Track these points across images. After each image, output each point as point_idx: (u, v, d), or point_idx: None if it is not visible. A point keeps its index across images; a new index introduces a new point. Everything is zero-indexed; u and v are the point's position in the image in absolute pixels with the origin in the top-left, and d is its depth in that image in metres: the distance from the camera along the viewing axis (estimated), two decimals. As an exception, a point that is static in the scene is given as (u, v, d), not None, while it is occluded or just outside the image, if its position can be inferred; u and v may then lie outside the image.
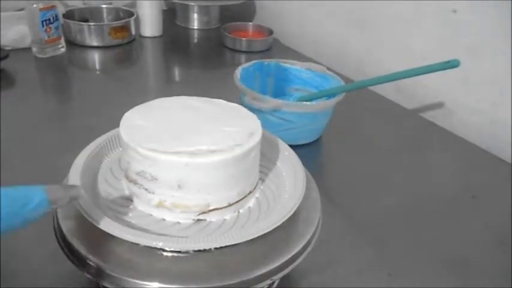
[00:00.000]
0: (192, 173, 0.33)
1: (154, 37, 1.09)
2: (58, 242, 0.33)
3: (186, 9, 1.17)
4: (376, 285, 0.44)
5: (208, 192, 0.35)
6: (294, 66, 0.72)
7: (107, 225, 0.31)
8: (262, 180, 0.41)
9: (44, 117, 0.71)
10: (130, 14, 1.05)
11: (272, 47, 1.07)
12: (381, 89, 0.85)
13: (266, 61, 0.72)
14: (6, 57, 0.82)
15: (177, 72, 0.99)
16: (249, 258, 0.32)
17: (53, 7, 0.87)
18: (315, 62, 0.78)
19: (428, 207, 0.56)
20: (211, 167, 0.34)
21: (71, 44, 0.98)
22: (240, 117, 0.40)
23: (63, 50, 0.93)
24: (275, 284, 0.41)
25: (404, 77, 0.55)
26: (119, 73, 0.92)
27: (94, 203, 0.33)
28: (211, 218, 0.36)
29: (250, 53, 1.03)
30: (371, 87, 0.83)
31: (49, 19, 0.87)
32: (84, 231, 0.32)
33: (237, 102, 0.42)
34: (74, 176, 0.36)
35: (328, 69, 0.70)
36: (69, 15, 1.02)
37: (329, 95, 0.64)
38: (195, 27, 1.19)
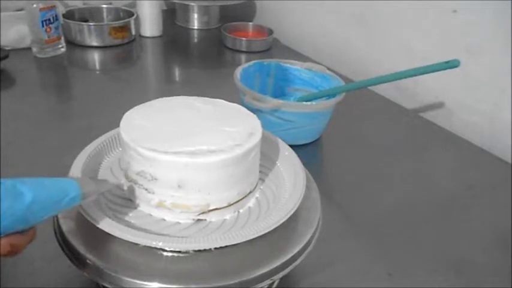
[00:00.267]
0: (192, 173, 0.33)
1: (154, 37, 1.09)
2: (58, 242, 0.33)
3: (186, 9, 1.17)
4: (376, 285, 0.44)
5: (208, 192, 0.35)
6: (294, 66, 0.72)
7: (107, 225, 0.31)
8: (262, 180, 0.41)
9: (44, 117, 0.71)
10: (130, 14, 1.05)
11: (272, 47, 1.07)
12: (381, 89, 0.85)
13: (266, 61, 0.72)
14: (6, 57, 0.82)
15: (177, 72, 0.99)
16: (249, 258, 0.32)
17: (53, 7, 0.87)
18: (315, 62, 0.78)
19: (428, 207, 0.56)
20: (211, 167, 0.34)
21: (71, 44, 0.98)
22: (240, 117, 0.40)
23: (63, 50, 0.93)
24: (275, 284, 0.41)
25: (404, 77, 0.55)
26: (119, 73, 0.92)
27: (94, 203, 0.33)
28: (211, 218, 0.36)
29: (250, 53, 1.03)
30: (371, 87, 0.83)
31: (49, 19, 0.87)
32: (84, 231, 0.32)
33: (237, 102, 0.42)
34: (74, 176, 0.36)
35: (328, 69, 0.70)
36: (69, 15, 1.02)
37: (329, 95, 0.64)
38: (195, 27, 1.19)
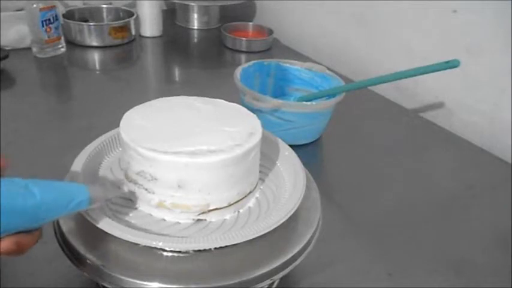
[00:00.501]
0: (192, 173, 0.33)
1: (154, 37, 1.09)
2: (58, 242, 0.33)
3: (186, 9, 1.17)
4: (376, 285, 0.44)
5: (208, 192, 0.35)
6: (294, 66, 0.72)
7: (107, 225, 0.31)
8: (262, 180, 0.41)
9: (44, 117, 0.71)
10: (130, 14, 1.05)
11: (272, 47, 1.07)
12: (381, 89, 0.85)
13: (266, 61, 0.72)
14: (6, 57, 0.82)
15: (177, 72, 0.99)
16: (249, 258, 0.32)
17: (53, 7, 0.87)
18: (315, 62, 0.78)
19: (428, 207, 0.56)
20: (211, 167, 0.34)
21: (71, 44, 0.98)
22: (240, 117, 0.40)
23: (63, 50, 0.93)
24: (275, 284, 0.41)
25: (405, 77, 0.55)
26: (119, 73, 0.92)
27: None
28: (211, 218, 0.36)
29: (250, 53, 1.03)
30: (371, 87, 0.83)
31: (49, 19, 0.87)
32: (84, 231, 0.32)
33: (237, 102, 0.42)
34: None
35: (328, 69, 0.70)
36: (69, 15, 1.02)
37: (329, 95, 0.64)
38: (195, 27, 1.19)
